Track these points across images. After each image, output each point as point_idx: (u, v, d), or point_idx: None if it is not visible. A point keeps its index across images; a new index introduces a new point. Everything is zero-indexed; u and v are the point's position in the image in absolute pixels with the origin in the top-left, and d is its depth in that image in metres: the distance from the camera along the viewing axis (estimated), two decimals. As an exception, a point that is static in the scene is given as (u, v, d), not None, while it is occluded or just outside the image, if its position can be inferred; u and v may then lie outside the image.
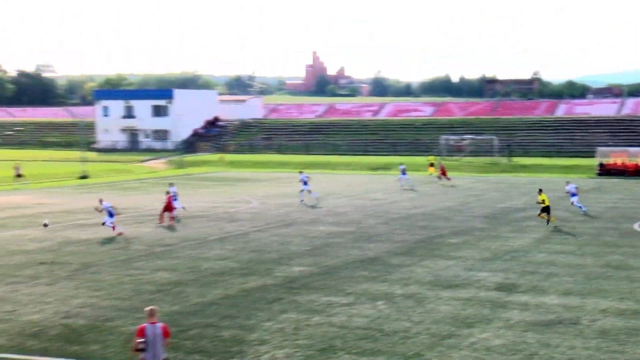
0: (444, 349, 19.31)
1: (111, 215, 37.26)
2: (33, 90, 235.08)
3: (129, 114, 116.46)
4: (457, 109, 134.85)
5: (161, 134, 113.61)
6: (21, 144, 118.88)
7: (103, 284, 26.79)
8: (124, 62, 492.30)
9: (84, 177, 72.81)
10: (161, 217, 41.89)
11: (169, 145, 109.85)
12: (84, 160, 79.44)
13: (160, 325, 15.69)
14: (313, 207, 48.64)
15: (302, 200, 50.86)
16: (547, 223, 39.70)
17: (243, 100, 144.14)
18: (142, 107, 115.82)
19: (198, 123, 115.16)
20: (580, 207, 44.31)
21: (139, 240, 35.90)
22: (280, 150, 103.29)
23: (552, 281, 26.96)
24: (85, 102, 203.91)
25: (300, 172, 54.75)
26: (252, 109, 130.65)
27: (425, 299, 24.39)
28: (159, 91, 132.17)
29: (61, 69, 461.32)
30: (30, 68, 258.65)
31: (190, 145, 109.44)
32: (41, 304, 24.03)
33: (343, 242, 35.44)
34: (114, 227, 37.46)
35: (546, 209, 39.96)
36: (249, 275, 28.15)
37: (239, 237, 36.97)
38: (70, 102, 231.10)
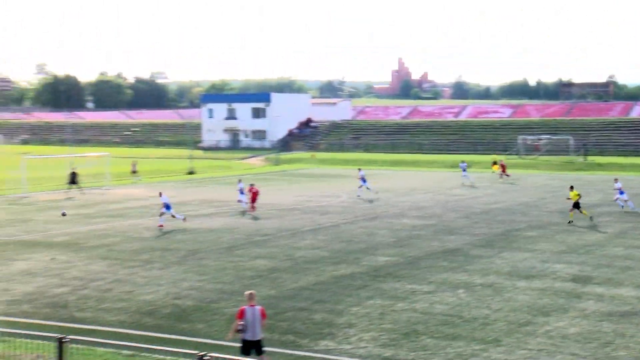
0: (521, 335, 18.92)
1: (168, 207, 37.67)
2: (148, 95, 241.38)
3: (231, 115, 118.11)
4: (534, 110, 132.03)
5: (259, 134, 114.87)
6: (137, 143, 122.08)
7: (208, 269, 27.26)
8: (228, 69, 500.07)
9: (191, 172, 74.24)
10: (252, 207, 42.90)
11: (266, 144, 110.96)
12: (191, 158, 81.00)
13: (258, 307, 15.85)
14: (371, 201, 48.29)
15: (359, 196, 50.67)
16: (569, 222, 37.94)
17: (334, 103, 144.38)
18: (243, 110, 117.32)
19: (292, 124, 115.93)
20: (621, 205, 42.79)
21: (239, 230, 36.39)
22: (367, 149, 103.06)
23: (628, 274, 26.08)
24: (193, 105, 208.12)
25: (359, 170, 54.56)
26: (342, 111, 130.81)
27: (503, 289, 23.95)
28: (258, 95, 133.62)
29: (172, 75, 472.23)
30: (145, 75, 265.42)
31: (285, 144, 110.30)
32: (155, 285, 24.62)
33: (425, 234, 35.12)
34: (178, 217, 37.96)
35: (576, 205, 38.53)
36: (339, 263, 28.19)
37: (329, 228, 37.06)
38: (180, 105, 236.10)
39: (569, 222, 38.00)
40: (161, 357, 15.30)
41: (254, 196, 44.27)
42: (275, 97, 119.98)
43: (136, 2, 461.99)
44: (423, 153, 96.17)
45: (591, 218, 38.64)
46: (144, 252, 30.69)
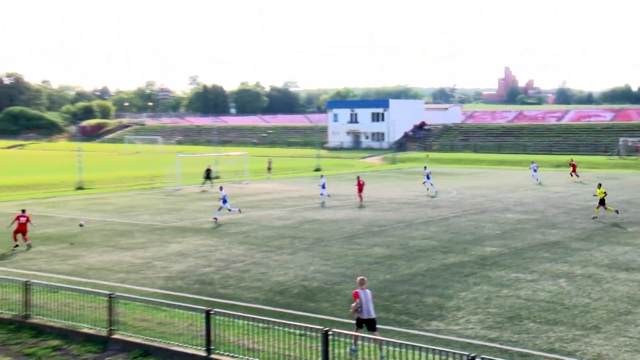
0: (621, 324, 18.06)
1: (225, 201, 37.80)
2: (281, 101, 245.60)
3: (354, 119, 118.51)
4: (636, 114, 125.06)
5: (378, 136, 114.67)
6: (271, 144, 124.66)
7: (332, 255, 27.51)
8: (351, 78, 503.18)
9: (317, 169, 75.07)
10: (360, 197, 44.63)
11: (385, 145, 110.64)
12: (318, 157, 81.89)
13: (368, 291, 15.99)
14: (433, 197, 47.16)
15: (428, 189, 50.11)
16: (593, 217, 36.48)
17: (445, 108, 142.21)
18: (364, 114, 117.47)
19: (408, 127, 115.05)
20: None
21: (359, 221, 36.51)
22: (476, 149, 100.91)
23: None
24: (320, 110, 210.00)
25: (425, 168, 53.97)
26: (452, 115, 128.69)
27: (603, 279, 22.92)
28: (378, 101, 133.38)
29: (303, 84, 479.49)
30: (279, 84, 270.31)
31: (401, 145, 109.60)
32: (285, 268, 25.10)
33: (529, 227, 34.07)
34: (232, 209, 38.00)
35: (602, 202, 36.73)
36: (448, 252, 27.82)
37: (440, 221, 36.60)
38: (309, 110, 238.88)
39: (593, 218, 36.45)
40: (291, 330, 15.59)
41: (360, 187, 44.87)
42: (393, 103, 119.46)
43: (269, 21, 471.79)
44: (527, 153, 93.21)
45: (617, 212, 37.27)
46: (276, 239, 31.32)
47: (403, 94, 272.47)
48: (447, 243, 29.90)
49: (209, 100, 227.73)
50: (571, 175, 61.22)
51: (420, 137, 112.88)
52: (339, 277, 23.63)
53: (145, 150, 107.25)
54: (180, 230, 34.01)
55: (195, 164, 68.91)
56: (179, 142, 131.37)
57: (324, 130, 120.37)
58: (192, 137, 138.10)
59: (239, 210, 38.87)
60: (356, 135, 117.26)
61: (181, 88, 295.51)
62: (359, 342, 15.15)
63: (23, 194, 51.38)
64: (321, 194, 44.47)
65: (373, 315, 15.88)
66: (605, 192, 37.45)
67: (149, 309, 17.41)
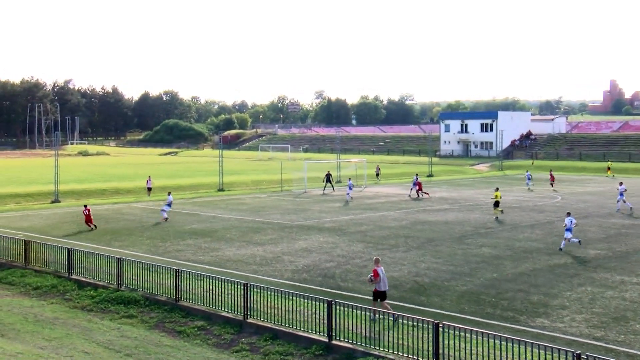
0: None
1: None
2: (397, 113, 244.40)
3: (464, 129, 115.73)
4: None
5: (487, 145, 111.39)
6: (388, 152, 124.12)
7: (442, 254, 26.97)
8: (461, 91, 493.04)
9: (430, 175, 74.00)
10: (425, 193, 47.82)
11: (493, 153, 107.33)
12: (430, 164, 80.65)
13: (382, 268, 17.97)
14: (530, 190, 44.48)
15: (530, 189, 51.28)
16: (496, 218, 36.49)
17: (551, 119, 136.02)
18: (474, 125, 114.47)
19: (515, 136, 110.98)
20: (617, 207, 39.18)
21: (468, 223, 35.58)
22: (580, 157, 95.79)
23: None
24: (433, 121, 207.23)
25: (527, 171, 53.62)
26: (558, 125, 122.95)
27: None
28: (487, 113, 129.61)
29: (418, 97, 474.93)
30: (396, 97, 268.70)
31: (509, 153, 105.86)
32: (399, 265, 24.84)
33: (634, 232, 31.89)
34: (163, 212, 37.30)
35: (496, 204, 37.27)
36: (553, 254, 26.53)
37: (545, 224, 35.01)
38: (422, 121, 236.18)
39: (496, 219, 36.51)
40: (404, 322, 15.40)
41: (420, 186, 47.74)
42: (501, 114, 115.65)
43: (387, 39, 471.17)
44: (632, 162, 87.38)
45: (502, 211, 37.63)
46: (391, 238, 31.09)
47: (511, 106, 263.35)
48: (552, 245, 28.52)
49: (333, 112, 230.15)
50: (613, 177, 58.58)
51: (526, 146, 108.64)
52: (448, 274, 23.13)
53: (277, 157, 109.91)
54: (305, 228, 34.48)
55: (320, 169, 69.85)
56: (306, 150, 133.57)
57: (436, 139, 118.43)
58: (318, 145, 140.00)
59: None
60: (466, 144, 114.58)
61: (308, 101, 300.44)
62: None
63: (175, 194, 54.05)
64: (347, 194, 46.88)
65: (386, 288, 17.74)
66: (500, 196, 38.61)
67: (278, 297, 17.77)
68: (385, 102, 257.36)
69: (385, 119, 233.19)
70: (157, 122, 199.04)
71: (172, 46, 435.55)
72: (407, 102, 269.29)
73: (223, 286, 18.63)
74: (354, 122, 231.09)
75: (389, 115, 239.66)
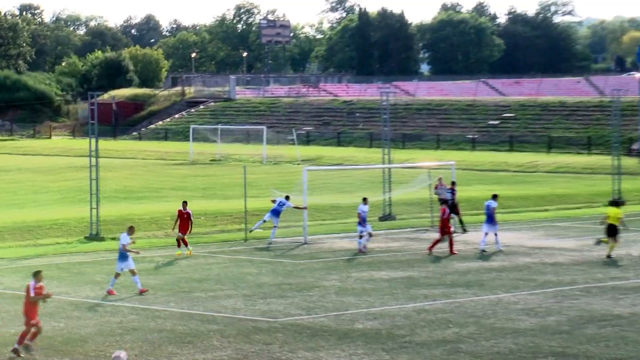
0: None
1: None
2: (534, 47, 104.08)
3: None
4: None
5: None
6: (510, 140, 65.18)
7: None
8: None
9: (616, 201, 50.05)
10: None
11: None
12: (619, 175, 49.20)
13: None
14: None
15: None
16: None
17: None
18: None
19: None
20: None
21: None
22: None
23: None
24: (622, 66, 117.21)
25: None
26: None
27: None
28: None
29: (582, 9, 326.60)
30: (529, 9, 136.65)
31: None
32: None
33: None
34: None
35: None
36: None
37: None
38: (594, 67, 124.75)
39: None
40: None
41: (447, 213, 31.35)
42: None
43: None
44: None
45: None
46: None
47: None
48: None
49: (373, 46, 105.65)
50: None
51: None
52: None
53: (233, 156, 77.27)
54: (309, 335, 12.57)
55: (340, 185, 31.38)
56: (307, 137, 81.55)
57: (633, 111, 51.16)
58: (333, 126, 60.42)
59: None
60: None
61: (313, 19, 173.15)
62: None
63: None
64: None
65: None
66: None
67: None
68: (503, 21, 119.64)
69: (502, 60, 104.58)
70: None
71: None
72: (557, 21, 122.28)
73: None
74: (423, 69, 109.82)
75: (511, 51, 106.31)
